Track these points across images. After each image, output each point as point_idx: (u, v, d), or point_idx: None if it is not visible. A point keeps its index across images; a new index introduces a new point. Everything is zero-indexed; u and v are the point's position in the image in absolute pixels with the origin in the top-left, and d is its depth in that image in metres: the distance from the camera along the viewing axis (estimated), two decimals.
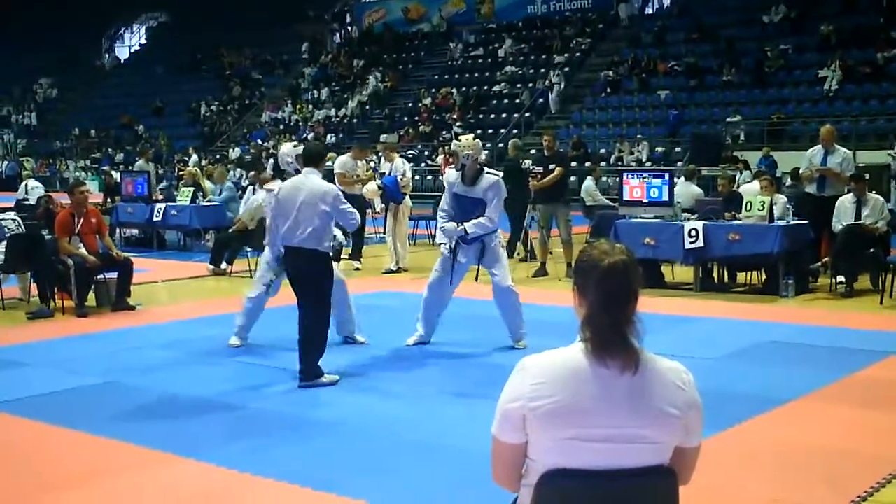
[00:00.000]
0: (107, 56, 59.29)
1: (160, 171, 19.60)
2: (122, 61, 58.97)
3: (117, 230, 18.56)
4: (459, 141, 9.05)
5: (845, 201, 12.16)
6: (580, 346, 2.78)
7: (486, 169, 9.05)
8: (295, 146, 9.23)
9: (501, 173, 9.26)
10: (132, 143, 45.05)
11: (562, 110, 34.85)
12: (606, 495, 2.74)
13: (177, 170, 30.47)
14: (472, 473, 5.54)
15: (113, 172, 26.93)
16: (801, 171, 13.76)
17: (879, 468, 5.56)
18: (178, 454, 6.07)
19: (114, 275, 11.52)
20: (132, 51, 59.83)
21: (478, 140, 9.25)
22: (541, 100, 35.22)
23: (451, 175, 9.17)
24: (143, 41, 59.84)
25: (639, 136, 30.32)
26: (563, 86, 34.73)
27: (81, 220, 11.38)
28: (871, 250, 11.84)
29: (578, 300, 2.85)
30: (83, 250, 11.26)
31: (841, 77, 29.22)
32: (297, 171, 8.66)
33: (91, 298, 11.48)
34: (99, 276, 11.50)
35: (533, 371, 2.78)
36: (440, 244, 9.29)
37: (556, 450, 2.74)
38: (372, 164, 14.80)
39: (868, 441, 6.22)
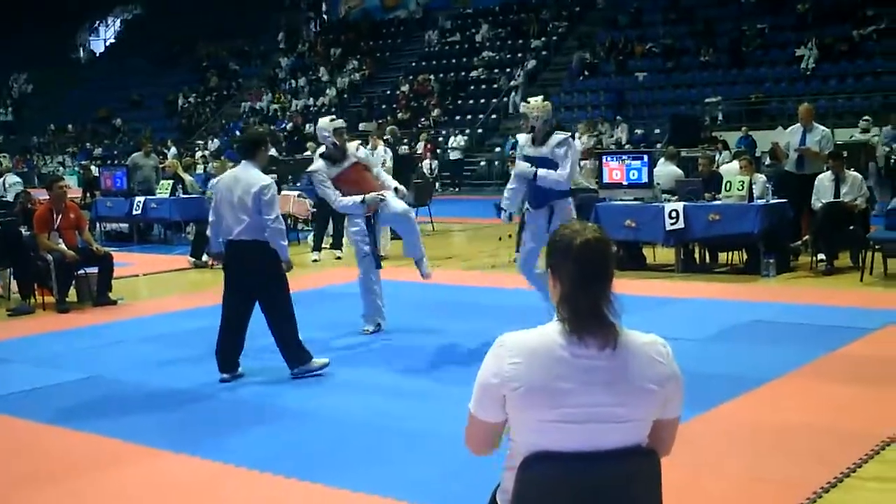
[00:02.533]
0: (82, 50, 58.93)
1: (161, 167, 19.42)
2: (98, 55, 58.62)
3: (97, 225, 18.48)
4: (528, 103, 8.90)
5: (824, 179, 12.20)
6: (558, 325, 2.78)
7: (555, 129, 8.89)
8: (332, 120, 9.32)
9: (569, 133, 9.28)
10: (110, 137, 44.84)
11: (540, 94, 34.76)
12: (589, 479, 2.74)
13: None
14: (456, 462, 5.56)
15: (92, 167, 26.77)
16: (777, 148, 13.74)
17: (863, 443, 5.59)
18: (160, 447, 6.05)
19: (94, 270, 11.47)
20: (108, 44, 59.46)
21: (547, 102, 8.98)
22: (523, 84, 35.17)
23: (521, 138, 9.12)
24: (119, 34, 59.46)
25: (618, 117, 30.32)
26: (522, 88, 34.40)
27: (60, 215, 11.34)
28: (851, 227, 11.88)
29: (554, 280, 2.84)
30: (63, 246, 11.21)
31: (818, 55, 29.29)
32: (335, 146, 9.04)
33: (72, 294, 11.43)
34: (79, 272, 11.45)
35: (511, 349, 2.77)
36: (501, 210, 9.14)
37: (537, 431, 2.74)
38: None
39: (851, 417, 6.25)
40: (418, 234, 9.51)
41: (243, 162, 7.75)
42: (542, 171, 8.57)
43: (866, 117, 22.84)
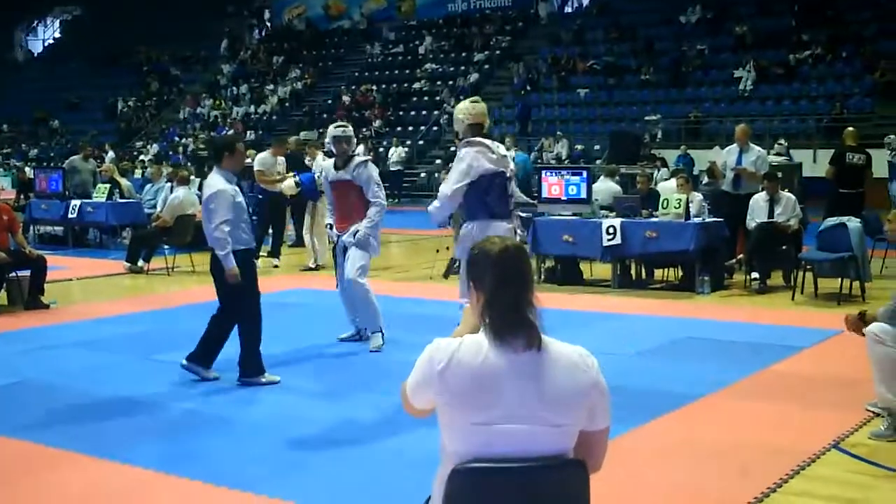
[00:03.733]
0: (20, 50, 58.03)
1: (98, 170, 19.18)
2: (36, 55, 57.77)
3: (31, 227, 18.22)
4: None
5: (759, 199, 12.37)
6: (483, 332, 2.87)
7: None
8: (336, 127, 9.10)
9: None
10: (47, 139, 44.19)
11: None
12: (516, 488, 2.77)
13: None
14: (397, 472, 5.56)
15: (27, 168, 26.37)
16: (714, 167, 13.94)
17: (790, 459, 5.68)
18: (91, 454, 5.97)
19: (26, 273, 11.30)
20: (46, 44, 58.63)
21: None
22: (461, 97, 35.24)
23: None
24: (58, 35, 58.68)
25: (558, 133, 30.51)
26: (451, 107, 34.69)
27: None
28: (784, 247, 12.07)
29: (476, 294, 2.93)
30: None
31: (755, 77, 29.79)
32: (332, 153, 9.00)
33: (2, 297, 11.25)
34: (11, 274, 11.27)
35: (441, 352, 2.86)
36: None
37: (467, 435, 2.79)
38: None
39: (779, 434, 6.34)
40: (369, 302, 8.89)
41: (213, 168, 7.78)
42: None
43: (781, 140, 23.25)
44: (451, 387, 2.79)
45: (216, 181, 7.59)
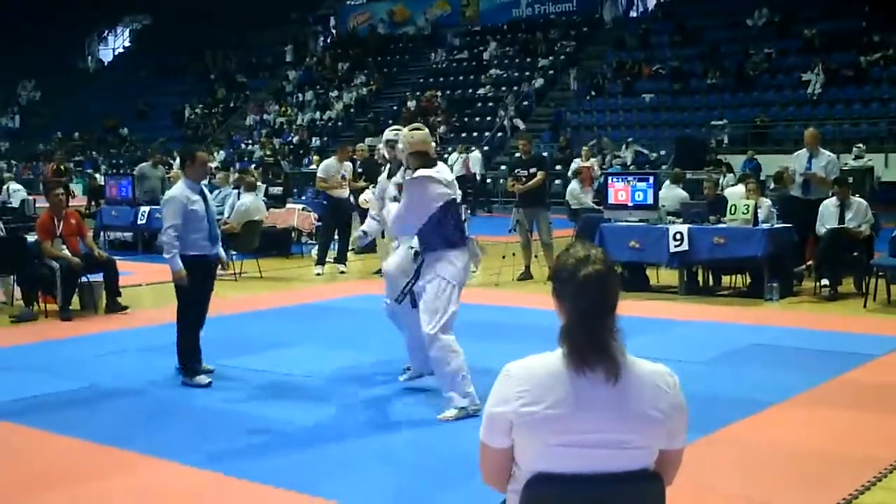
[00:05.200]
0: (90, 59, 59.05)
1: (167, 177, 19.43)
2: (106, 64, 58.74)
3: (101, 233, 18.50)
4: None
5: (829, 205, 12.18)
6: (561, 352, 2.78)
7: None
8: (390, 130, 8.24)
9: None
10: (116, 147, 44.88)
11: (546, 114, 34.86)
12: (594, 500, 2.73)
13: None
14: (438, 472, 5.56)
15: (97, 175, 26.81)
16: (784, 173, 13.79)
17: (866, 470, 5.57)
18: (157, 456, 6.07)
19: (97, 277, 11.48)
20: (116, 53, 59.61)
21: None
22: (525, 103, 35.23)
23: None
24: (128, 44, 59.61)
25: (629, 139, 30.31)
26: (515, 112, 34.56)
27: (62, 222, 11.33)
28: (855, 253, 11.88)
29: (558, 306, 2.85)
30: (67, 252, 11.20)
31: (824, 80, 29.33)
32: (385, 158, 8.29)
33: (75, 301, 11.43)
34: (83, 279, 11.45)
35: (518, 377, 2.78)
36: None
37: (542, 456, 2.74)
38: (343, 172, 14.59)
39: (854, 443, 6.23)
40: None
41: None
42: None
43: (859, 144, 22.88)
44: (528, 412, 2.72)
45: (174, 189, 8.07)
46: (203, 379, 7.90)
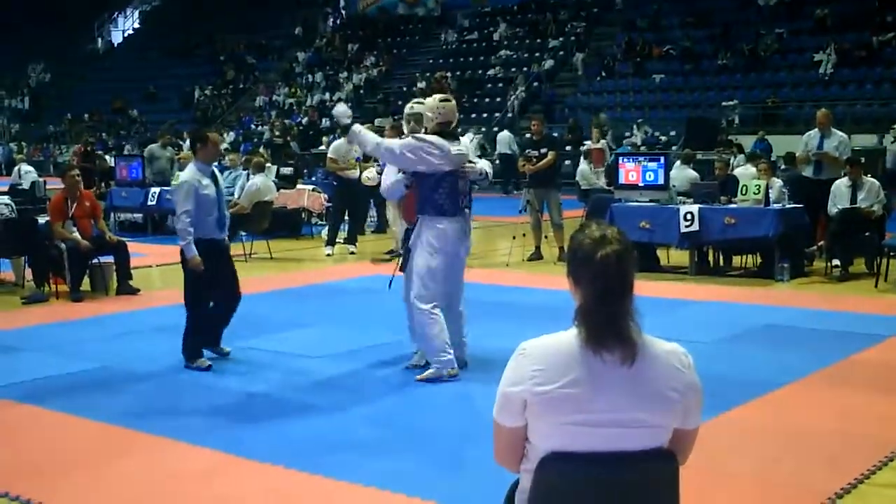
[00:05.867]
0: (100, 41, 59.04)
1: (176, 158, 19.42)
2: (116, 46, 58.71)
3: (112, 215, 18.53)
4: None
5: (841, 185, 12.15)
6: (576, 332, 2.75)
7: None
8: (416, 102, 7.91)
9: None
10: (126, 128, 44.89)
11: (556, 94, 34.78)
12: (607, 479, 2.73)
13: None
14: (473, 457, 5.56)
15: (107, 157, 26.80)
16: (797, 154, 13.75)
17: (877, 450, 5.57)
18: (171, 437, 6.07)
19: (108, 258, 11.50)
20: (126, 35, 59.55)
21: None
22: (535, 83, 35.15)
23: None
24: (137, 25, 59.57)
25: (639, 120, 30.22)
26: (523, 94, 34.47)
27: (75, 203, 11.35)
28: (867, 234, 11.85)
29: (573, 287, 2.81)
30: (77, 234, 11.23)
31: (836, 61, 29.20)
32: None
33: (86, 283, 11.46)
34: (94, 261, 11.47)
35: (533, 356, 2.76)
36: None
37: (556, 434, 2.73)
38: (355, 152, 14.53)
39: (865, 423, 6.22)
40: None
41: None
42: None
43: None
44: (543, 390, 2.70)
45: (186, 172, 7.94)
46: (203, 362, 7.88)
